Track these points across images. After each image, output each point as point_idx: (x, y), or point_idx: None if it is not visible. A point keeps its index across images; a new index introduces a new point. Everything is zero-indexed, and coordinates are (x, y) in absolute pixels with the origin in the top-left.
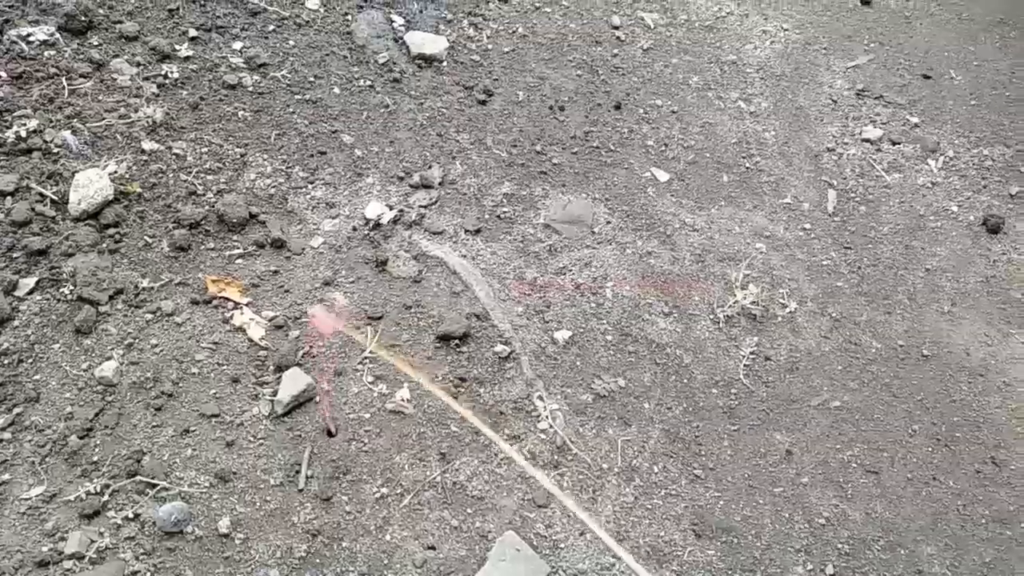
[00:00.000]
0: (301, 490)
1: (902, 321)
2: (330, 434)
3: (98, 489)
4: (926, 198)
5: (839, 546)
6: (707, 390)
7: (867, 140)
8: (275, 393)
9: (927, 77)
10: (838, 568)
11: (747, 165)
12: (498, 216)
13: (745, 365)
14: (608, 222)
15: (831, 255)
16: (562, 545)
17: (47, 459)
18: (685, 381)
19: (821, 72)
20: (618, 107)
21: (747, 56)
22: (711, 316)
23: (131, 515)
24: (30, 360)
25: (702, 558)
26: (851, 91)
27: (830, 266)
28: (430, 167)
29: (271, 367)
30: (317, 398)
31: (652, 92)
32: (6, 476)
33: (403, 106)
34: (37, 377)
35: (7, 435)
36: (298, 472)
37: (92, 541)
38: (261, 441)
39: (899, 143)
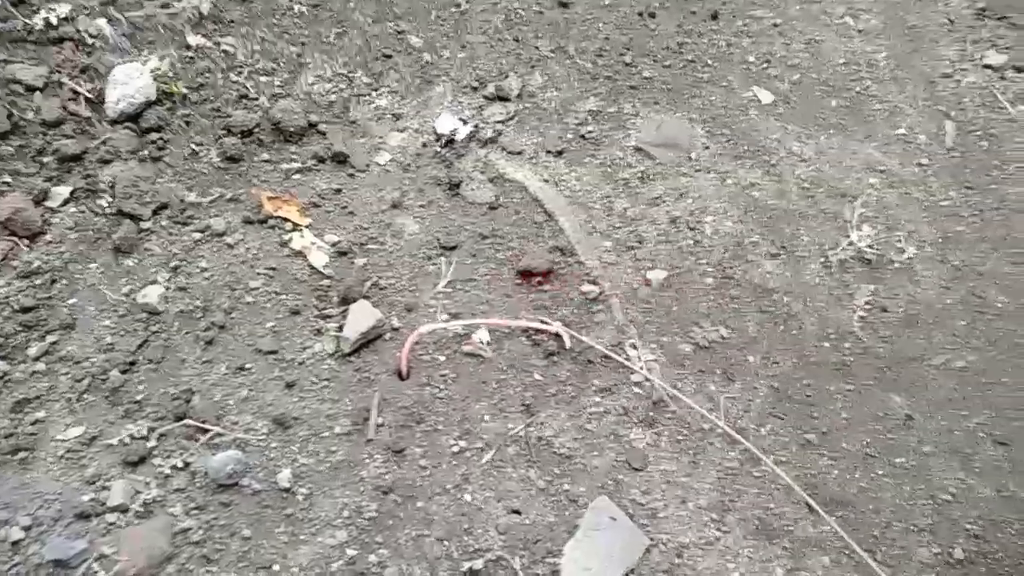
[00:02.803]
0: (370, 440)
1: None
2: (400, 377)
3: (143, 433)
4: None
5: (967, 527)
6: (819, 343)
7: (988, 66)
8: (340, 328)
9: None
10: (968, 552)
11: (857, 89)
12: (582, 136)
13: (860, 316)
14: (706, 147)
15: (950, 195)
16: (661, 514)
17: (85, 395)
18: (794, 332)
19: None
20: (715, 17)
21: None
22: (822, 259)
23: (180, 464)
24: (64, 281)
25: (815, 534)
26: (970, 10)
27: (950, 207)
28: (506, 77)
29: (335, 298)
30: (387, 335)
31: (751, 2)
32: (41, 413)
33: (476, 5)
34: (72, 301)
35: (41, 366)
36: (367, 419)
37: (137, 492)
38: (325, 383)
39: None
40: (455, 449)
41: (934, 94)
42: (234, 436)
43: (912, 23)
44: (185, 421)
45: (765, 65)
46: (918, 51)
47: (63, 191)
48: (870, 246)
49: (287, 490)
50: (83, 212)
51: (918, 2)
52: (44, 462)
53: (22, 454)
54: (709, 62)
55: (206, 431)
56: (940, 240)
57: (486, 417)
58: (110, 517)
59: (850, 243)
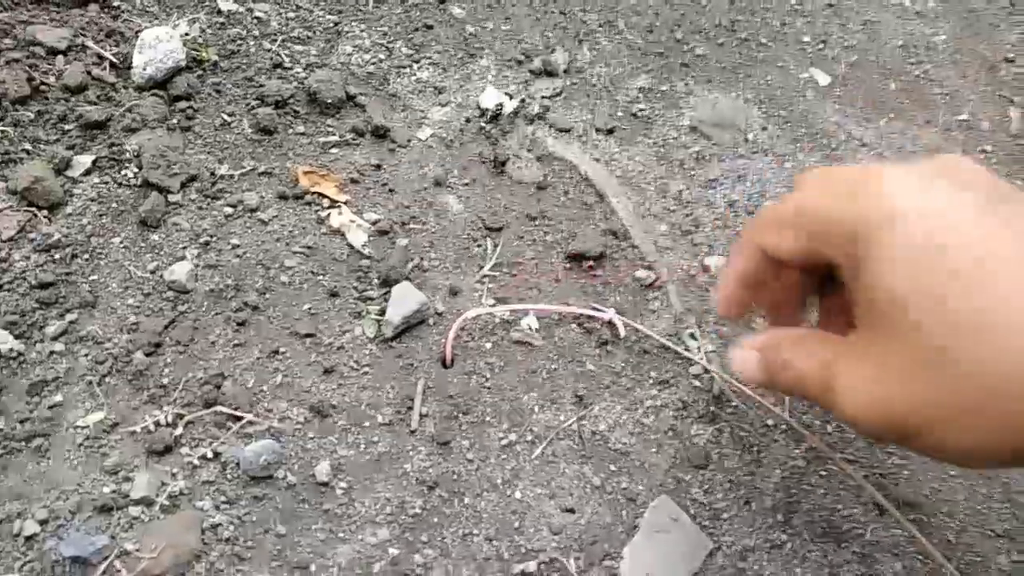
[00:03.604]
0: (414, 431)
1: None
2: (445, 364)
3: (170, 419)
4: None
5: None
6: None
7: None
8: (382, 311)
9: None
10: None
11: (916, 73)
12: (633, 114)
13: None
14: (764, 128)
15: (1016, 183)
16: (724, 516)
17: (107, 379)
18: None
19: None
20: None
21: None
22: None
23: (210, 454)
24: (85, 256)
25: (886, 537)
26: None
27: None
28: (553, 51)
29: (376, 280)
30: (430, 320)
31: None
32: (59, 397)
33: None
34: (94, 277)
35: (59, 346)
36: (410, 409)
37: (163, 484)
38: (366, 369)
39: None
40: (504, 442)
41: (996, 79)
42: (268, 425)
43: (972, 5)
44: (216, 408)
45: (821, 46)
46: (978, 35)
47: (86, 160)
48: None
49: (325, 484)
50: (107, 183)
51: None
52: (61, 450)
53: (38, 441)
54: (763, 41)
55: (238, 419)
56: None
57: (536, 408)
58: (133, 510)
59: None
